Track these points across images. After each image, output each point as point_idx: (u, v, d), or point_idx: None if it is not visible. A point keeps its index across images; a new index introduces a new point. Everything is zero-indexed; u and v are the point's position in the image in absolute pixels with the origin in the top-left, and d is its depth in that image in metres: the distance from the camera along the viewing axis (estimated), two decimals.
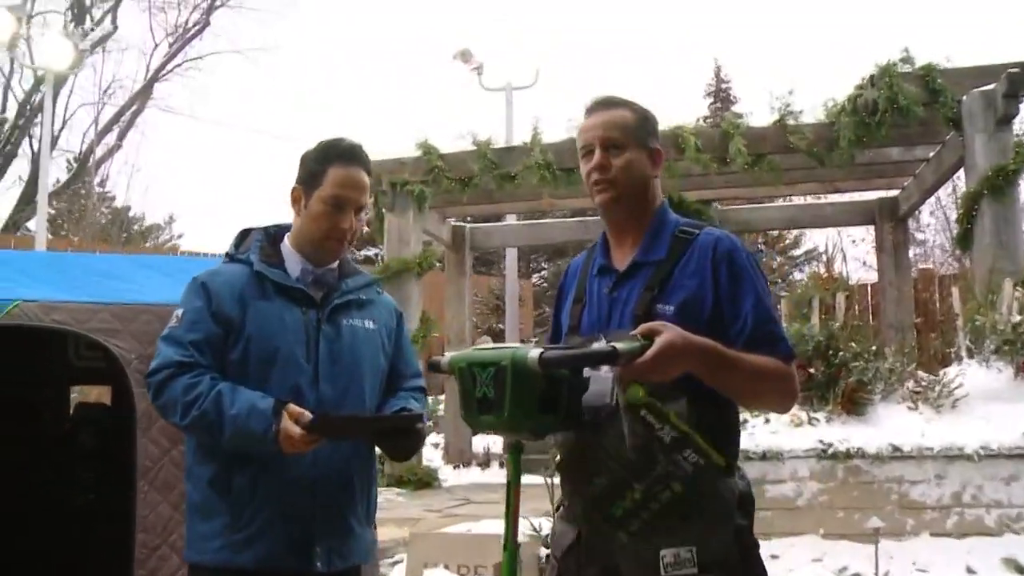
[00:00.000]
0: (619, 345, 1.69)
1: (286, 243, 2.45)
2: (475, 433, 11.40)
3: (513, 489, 1.80)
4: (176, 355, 2.24)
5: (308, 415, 2.13)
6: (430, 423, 10.68)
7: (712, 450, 1.81)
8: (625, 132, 2.04)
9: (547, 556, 2.11)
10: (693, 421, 1.82)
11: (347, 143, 2.40)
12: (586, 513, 1.96)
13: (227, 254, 2.46)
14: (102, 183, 28.82)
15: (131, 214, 30.56)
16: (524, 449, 1.83)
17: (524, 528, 5.08)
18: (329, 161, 2.35)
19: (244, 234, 2.49)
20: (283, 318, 2.32)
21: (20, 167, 23.80)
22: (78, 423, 4.85)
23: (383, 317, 2.51)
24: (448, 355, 1.88)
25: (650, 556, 1.85)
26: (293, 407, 2.15)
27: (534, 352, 1.67)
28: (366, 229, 11.71)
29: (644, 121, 2.08)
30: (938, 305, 12.45)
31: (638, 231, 2.06)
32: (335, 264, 2.45)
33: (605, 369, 1.82)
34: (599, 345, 1.74)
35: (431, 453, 12.19)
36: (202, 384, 2.20)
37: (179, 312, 2.33)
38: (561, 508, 2.11)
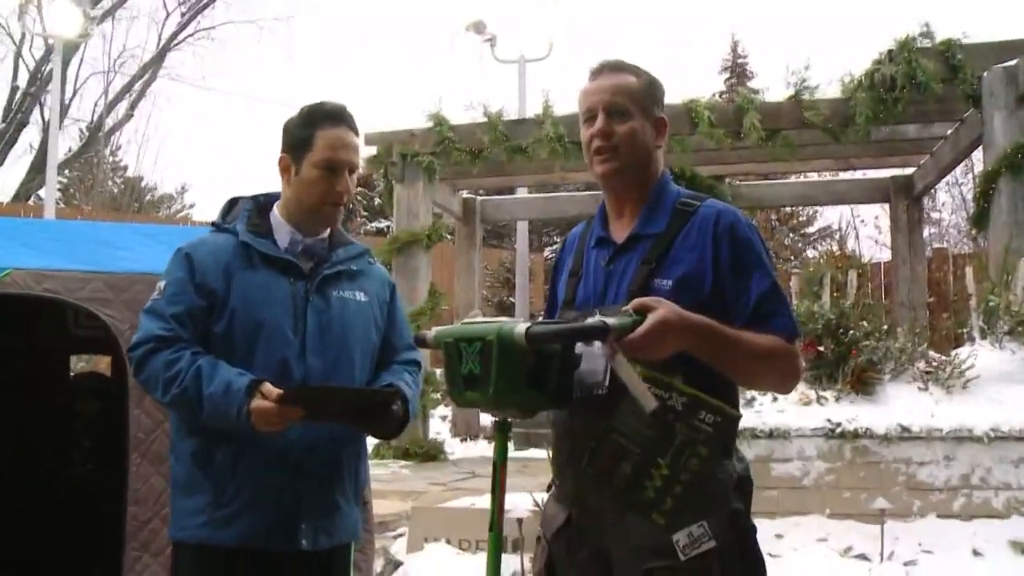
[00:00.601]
0: (610, 320, 1.62)
1: (275, 212, 2.37)
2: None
3: (499, 468, 1.74)
4: (157, 329, 2.18)
5: (278, 391, 2.07)
6: (438, 395, 10.63)
7: (725, 405, 1.75)
8: (631, 98, 1.95)
9: (538, 537, 2.04)
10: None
11: (332, 104, 2.32)
12: (578, 493, 1.90)
13: (214, 223, 2.39)
14: (114, 153, 28.84)
15: (143, 184, 30.60)
16: (512, 427, 1.76)
17: (527, 504, 5.04)
18: (317, 124, 2.28)
19: (232, 203, 2.42)
20: (270, 289, 2.25)
21: (32, 136, 23.81)
22: (76, 393, 4.82)
23: (375, 288, 2.45)
24: (434, 329, 1.82)
25: (642, 539, 1.79)
26: (268, 386, 2.08)
27: (521, 327, 1.60)
28: (377, 201, 11.65)
29: (650, 88, 1.99)
30: (951, 285, 12.32)
31: (638, 202, 1.99)
32: (325, 234, 2.39)
33: (598, 345, 1.75)
34: (590, 320, 1.67)
35: (439, 426, 12.18)
36: (183, 360, 2.14)
37: (161, 284, 2.26)
38: (553, 488, 2.05)
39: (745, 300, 1.84)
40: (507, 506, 5.35)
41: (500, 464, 1.75)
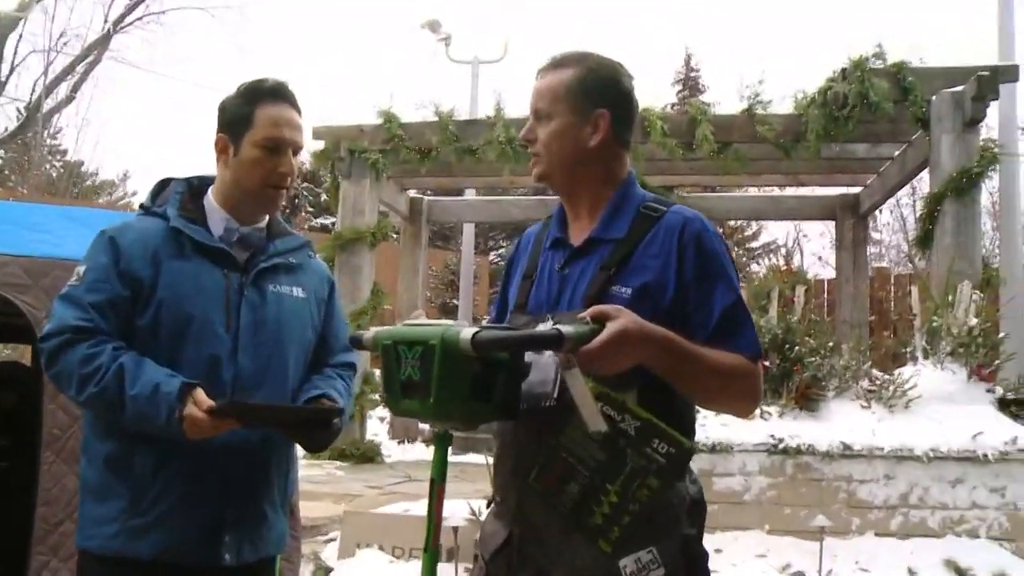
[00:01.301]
0: (565, 329, 1.49)
1: (209, 197, 2.19)
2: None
3: (437, 486, 1.60)
4: (74, 318, 1.99)
5: (211, 403, 1.90)
6: (376, 397, 10.43)
7: (679, 435, 1.62)
8: (554, 99, 1.82)
9: (475, 555, 1.90)
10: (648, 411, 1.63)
11: (273, 80, 2.15)
12: (521, 510, 1.77)
13: (142, 206, 2.21)
14: (53, 136, 28.00)
15: (84, 169, 29.76)
16: (452, 439, 1.63)
17: (463, 512, 4.90)
18: (257, 101, 2.11)
19: (163, 184, 2.23)
20: (201, 281, 2.08)
21: None
22: None
23: (313, 284, 2.28)
24: (372, 330, 1.67)
25: (587, 563, 1.67)
26: (200, 393, 1.91)
27: (467, 332, 1.46)
28: (323, 197, 11.40)
29: (586, 82, 1.82)
30: (892, 304, 12.48)
31: (594, 205, 1.86)
32: (263, 223, 2.22)
33: (549, 354, 1.62)
34: (544, 327, 1.54)
35: (376, 427, 11.96)
36: (103, 355, 1.95)
37: (81, 269, 2.06)
38: (493, 505, 1.92)
39: (708, 314, 1.72)
40: (446, 513, 5.18)
41: (438, 481, 1.60)
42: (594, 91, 1.82)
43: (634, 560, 1.64)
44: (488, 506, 1.95)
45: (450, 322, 1.54)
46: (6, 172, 27.14)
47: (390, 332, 1.61)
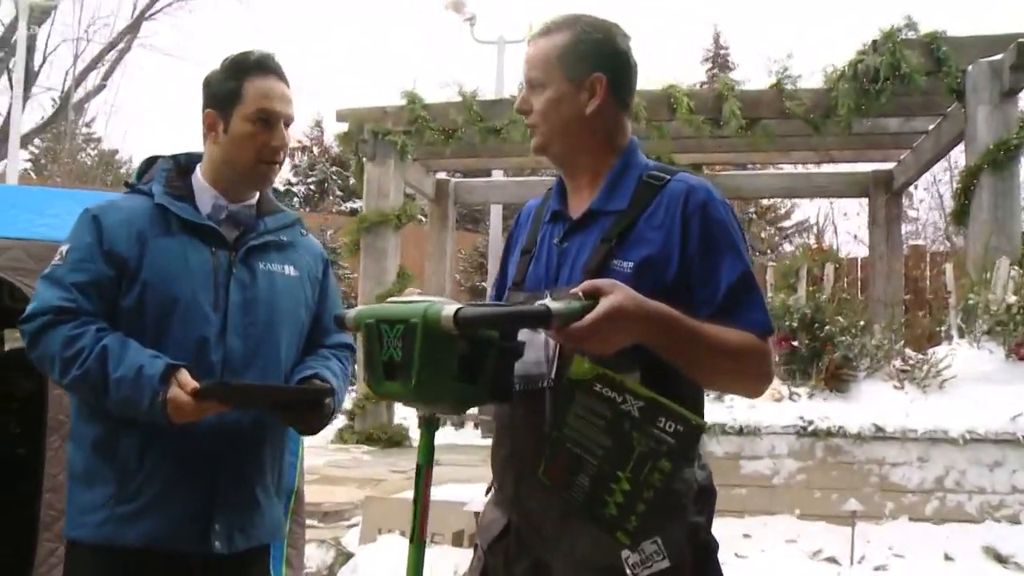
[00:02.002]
0: (553, 305, 1.38)
1: (197, 175, 2.10)
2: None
3: (423, 472, 1.49)
4: (56, 299, 1.91)
5: (195, 384, 1.82)
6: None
7: (688, 412, 1.50)
8: (546, 67, 1.72)
9: (474, 546, 1.81)
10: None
11: (259, 53, 2.06)
12: (518, 497, 1.67)
13: (127, 183, 2.13)
14: (88, 124, 28.26)
15: (117, 157, 29.98)
16: (440, 423, 1.53)
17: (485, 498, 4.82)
18: (245, 74, 2.02)
19: (150, 162, 2.15)
20: (188, 259, 1.99)
21: (3, 103, 23.21)
22: (9, 370, 4.51)
23: (306, 263, 2.19)
24: (356, 308, 1.57)
25: (587, 553, 1.57)
26: (186, 375, 1.84)
27: (449, 308, 1.36)
28: (352, 181, 11.32)
29: (578, 47, 1.71)
30: (928, 283, 12.22)
31: (594, 175, 1.75)
32: (253, 200, 2.13)
33: (544, 332, 1.52)
34: (519, 303, 1.43)
35: (405, 410, 11.93)
36: (85, 337, 1.88)
37: (64, 248, 1.99)
38: (491, 492, 1.82)
39: (713, 288, 1.60)
40: (464, 498, 5.09)
41: (425, 467, 1.50)
42: (588, 54, 1.71)
43: (638, 551, 1.53)
44: (487, 493, 1.85)
45: (436, 299, 1.44)
46: (42, 161, 27.44)
47: (372, 310, 1.52)
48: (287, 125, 2.07)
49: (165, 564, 1.96)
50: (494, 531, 1.73)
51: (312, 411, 2.00)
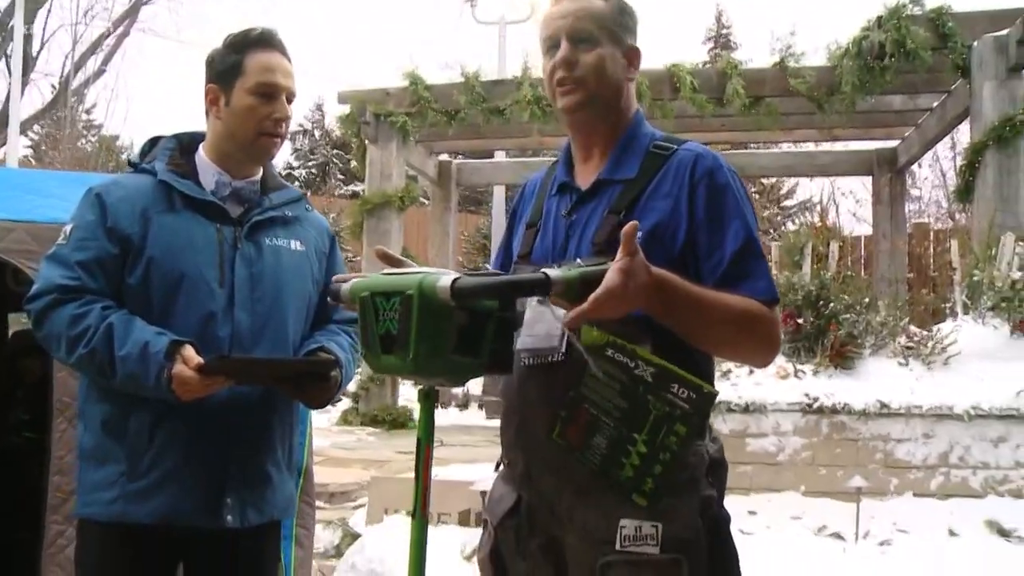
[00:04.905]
0: (552, 272, 1.37)
1: (200, 153, 2.11)
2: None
3: (423, 447, 1.49)
4: (60, 278, 1.92)
5: (199, 359, 1.82)
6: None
7: (698, 379, 1.50)
8: (598, 23, 1.70)
9: (483, 522, 1.80)
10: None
11: (260, 28, 2.06)
12: (529, 473, 1.67)
13: (130, 162, 2.13)
14: (88, 110, 28.14)
15: (118, 143, 29.88)
16: (439, 396, 1.52)
17: (494, 476, 4.83)
18: (246, 49, 2.02)
19: (153, 142, 2.16)
20: (192, 236, 1.99)
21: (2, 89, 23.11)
22: (15, 353, 4.51)
23: (312, 238, 2.19)
24: (350, 281, 1.55)
25: (601, 531, 1.57)
26: (190, 350, 1.84)
27: (446, 279, 1.34)
28: (353, 164, 11.30)
29: (620, 14, 1.73)
30: (932, 260, 12.20)
31: (606, 144, 1.74)
32: (257, 176, 2.13)
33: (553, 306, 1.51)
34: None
35: (409, 392, 11.93)
36: (91, 315, 1.88)
37: (68, 228, 2.00)
38: (501, 467, 1.82)
39: (719, 256, 1.59)
40: (473, 478, 5.09)
41: (425, 442, 1.49)
42: (629, 26, 1.75)
43: (635, 526, 1.53)
44: (496, 469, 1.85)
45: (432, 269, 1.43)
46: (43, 148, 27.36)
47: (367, 283, 1.50)
48: (289, 99, 2.08)
49: (177, 540, 1.97)
50: (505, 506, 1.73)
51: (318, 384, 2.00)
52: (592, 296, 1.36)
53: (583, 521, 1.60)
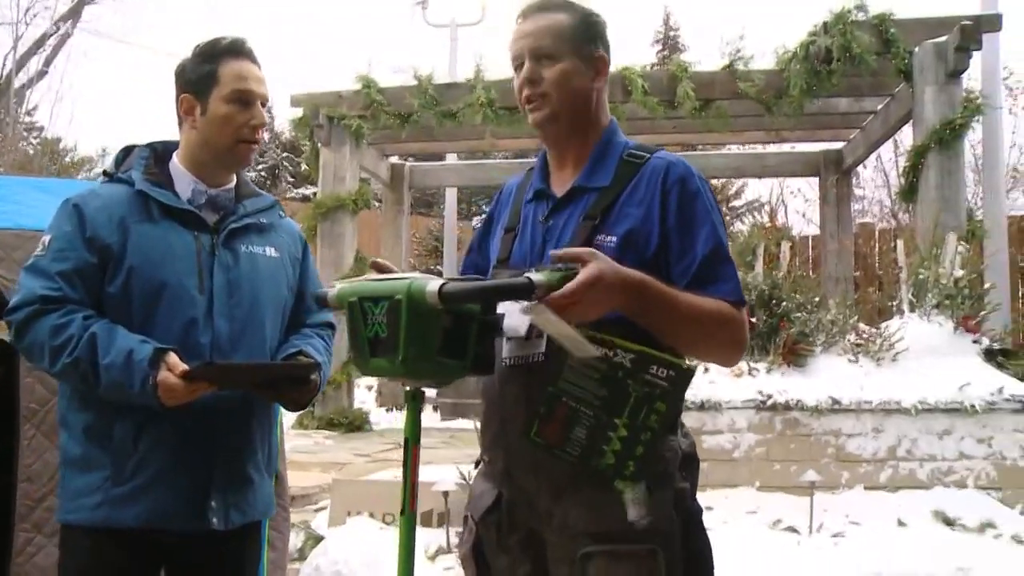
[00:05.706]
0: (535, 276, 1.43)
1: (175, 162, 2.14)
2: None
3: (411, 446, 1.54)
4: (41, 288, 1.93)
5: (184, 366, 1.86)
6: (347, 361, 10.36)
7: (675, 359, 1.57)
8: (558, 39, 1.77)
9: (465, 516, 1.86)
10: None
11: (231, 37, 2.11)
12: (509, 470, 1.73)
13: (105, 172, 2.14)
14: (29, 112, 27.52)
15: (62, 146, 29.26)
16: (425, 397, 1.57)
17: (453, 477, 4.88)
18: (218, 58, 2.06)
19: (127, 151, 2.17)
20: (171, 244, 2.02)
21: None
22: None
23: (286, 244, 2.24)
24: (337, 285, 1.60)
25: (580, 524, 1.63)
26: (173, 357, 1.87)
27: (433, 284, 1.41)
28: (303, 167, 11.23)
29: (584, 26, 1.80)
30: (877, 259, 12.49)
31: (581, 152, 1.81)
32: (231, 184, 2.16)
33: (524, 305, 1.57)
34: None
35: (363, 395, 11.91)
36: (73, 325, 1.90)
37: (46, 239, 2.01)
38: (481, 464, 1.87)
39: (690, 259, 1.68)
40: (432, 479, 5.14)
41: (412, 442, 1.55)
42: (594, 35, 1.81)
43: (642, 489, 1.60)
44: (476, 467, 1.90)
45: (418, 274, 1.49)
46: None
47: (354, 288, 1.55)
48: (263, 105, 2.12)
49: (162, 543, 2.00)
50: (485, 502, 1.79)
51: (300, 387, 2.05)
52: (567, 285, 1.44)
53: (563, 516, 1.66)
